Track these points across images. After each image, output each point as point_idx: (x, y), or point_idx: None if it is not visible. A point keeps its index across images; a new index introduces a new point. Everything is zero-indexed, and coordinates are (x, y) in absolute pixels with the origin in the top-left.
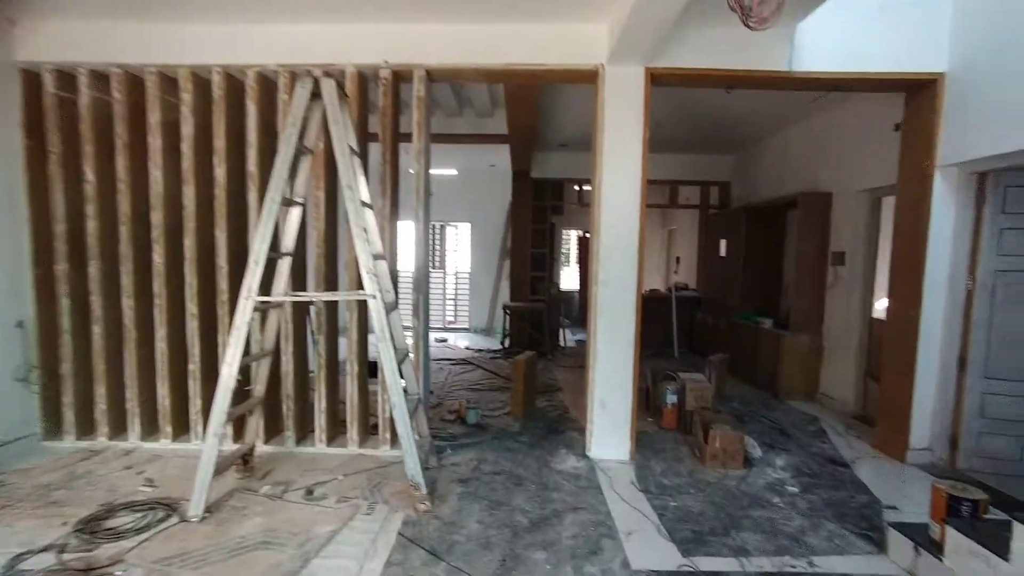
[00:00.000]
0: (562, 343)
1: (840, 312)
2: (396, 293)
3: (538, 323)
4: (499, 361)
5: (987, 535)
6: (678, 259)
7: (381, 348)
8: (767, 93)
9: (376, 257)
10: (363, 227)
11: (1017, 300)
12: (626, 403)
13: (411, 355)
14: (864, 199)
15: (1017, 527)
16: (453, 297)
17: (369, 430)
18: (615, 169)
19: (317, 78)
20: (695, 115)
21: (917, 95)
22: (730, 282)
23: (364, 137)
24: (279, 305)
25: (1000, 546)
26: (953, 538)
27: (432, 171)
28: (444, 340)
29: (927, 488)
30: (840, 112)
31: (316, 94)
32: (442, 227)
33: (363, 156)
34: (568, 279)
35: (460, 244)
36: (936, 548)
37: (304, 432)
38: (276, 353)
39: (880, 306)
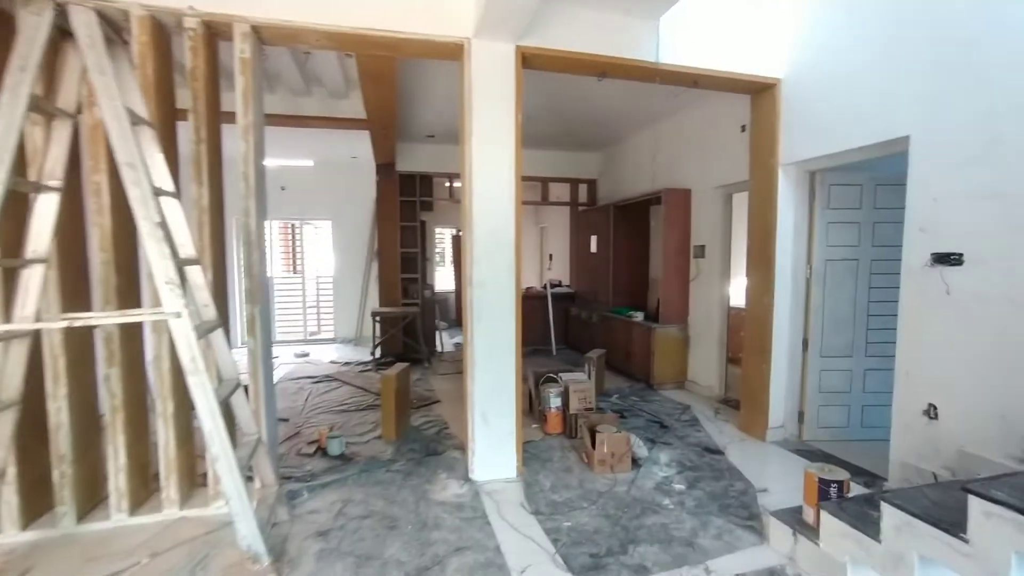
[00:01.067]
0: (440, 348)
1: (703, 303)
2: (224, 307)
3: (412, 329)
4: (370, 374)
5: (855, 515)
6: (551, 256)
7: (192, 384)
8: (630, 90)
9: (186, 263)
10: (156, 221)
11: (841, 286)
12: (510, 414)
13: (246, 385)
14: (719, 195)
15: (885, 508)
16: (315, 305)
17: (197, 481)
18: (486, 158)
19: (63, 4)
20: (563, 111)
21: (761, 98)
22: (602, 278)
23: (171, 107)
24: (26, 334)
25: (868, 525)
26: (827, 521)
27: (283, 161)
28: (306, 355)
29: (787, 463)
30: (697, 112)
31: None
32: (299, 226)
33: (167, 130)
34: (444, 280)
35: (322, 245)
36: (812, 532)
37: (93, 502)
38: (36, 400)
39: (737, 295)
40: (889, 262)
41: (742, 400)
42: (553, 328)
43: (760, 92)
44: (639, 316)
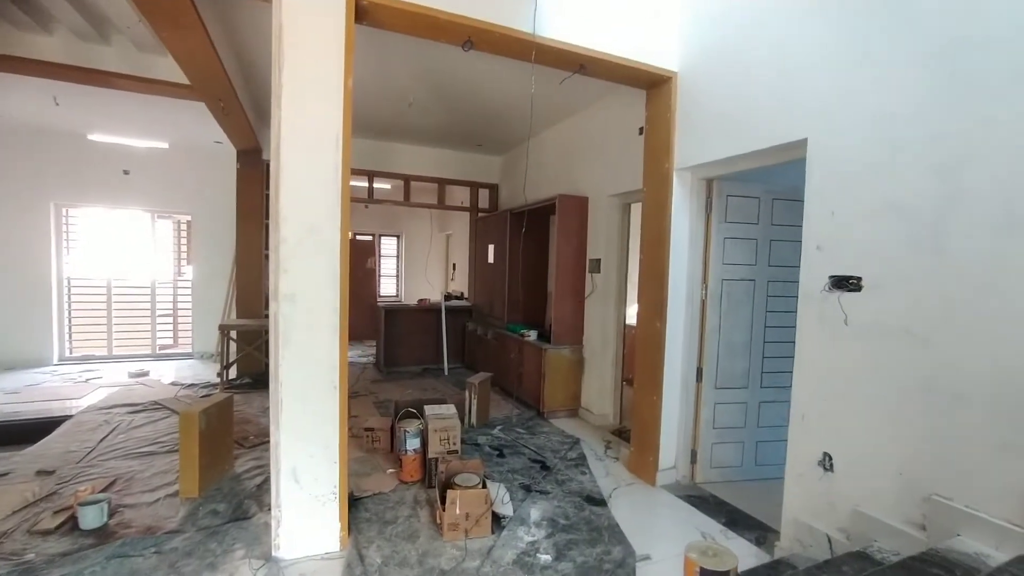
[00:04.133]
0: None
1: (598, 322)
2: None
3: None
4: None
5: None
6: (454, 266)
7: None
8: (524, 79)
9: None
10: None
11: (738, 309)
12: (331, 470)
13: None
14: (616, 204)
15: None
16: (171, 313)
17: None
18: (301, 129)
19: None
20: (456, 99)
21: (657, 93)
22: (498, 291)
23: None
24: None
25: None
26: None
27: (126, 140)
28: (144, 374)
29: (678, 515)
30: (596, 112)
31: None
32: (153, 220)
33: None
34: None
35: (182, 243)
36: None
37: None
38: None
39: (633, 315)
40: (786, 284)
41: (632, 437)
42: (447, 345)
43: (656, 86)
44: (532, 335)
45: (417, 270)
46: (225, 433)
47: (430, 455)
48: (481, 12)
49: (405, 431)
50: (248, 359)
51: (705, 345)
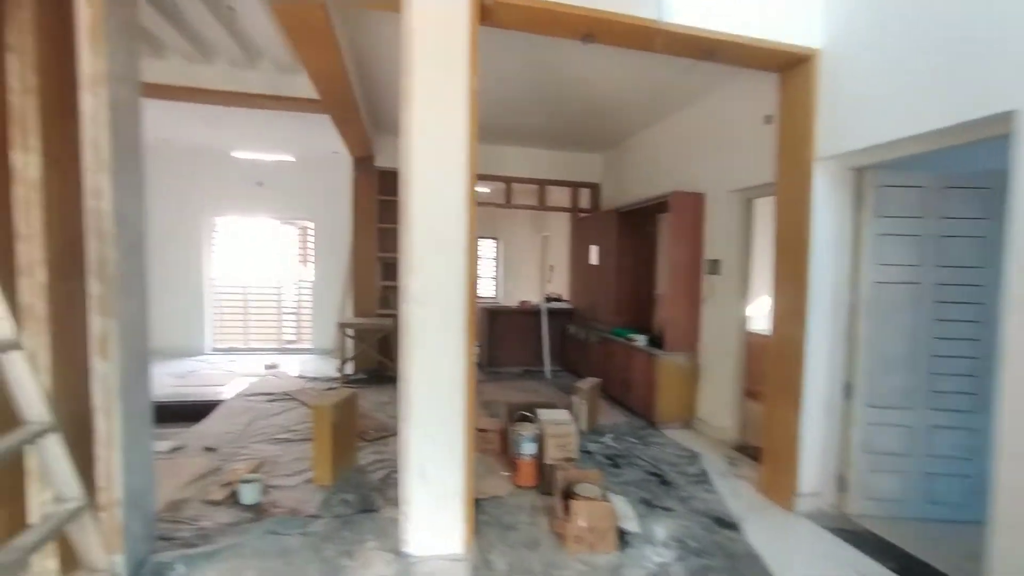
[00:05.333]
0: None
1: (716, 327)
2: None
3: (388, 344)
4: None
5: None
6: (552, 268)
7: None
8: (636, 71)
9: None
10: None
11: (895, 316)
12: (456, 469)
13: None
14: (737, 200)
15: None
16: (295, 311)
17: None
18: (431, 134)
19: None
20: (560, 100)
21: (793, 75)
22: (601, 293)
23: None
24: None
25: None
26: None
27: (261, 155)
28: (274, 366)
29: (826, 549)
30: (713, 102)
31: None
32: (280, 226)
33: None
34: None
35: (306, 247)
36: None
37: None
38: None
39: (756, 319)
40: (962, 288)
41: (764, 454)
42: (547, 348)
43: (792, 68)
44: (641, 340)
45: (515, 272)
46: (351, 427)
47: (546, 461)
48: (603, 2)
49: (521, 435)
50: (363, 355)
51: (856, 357)
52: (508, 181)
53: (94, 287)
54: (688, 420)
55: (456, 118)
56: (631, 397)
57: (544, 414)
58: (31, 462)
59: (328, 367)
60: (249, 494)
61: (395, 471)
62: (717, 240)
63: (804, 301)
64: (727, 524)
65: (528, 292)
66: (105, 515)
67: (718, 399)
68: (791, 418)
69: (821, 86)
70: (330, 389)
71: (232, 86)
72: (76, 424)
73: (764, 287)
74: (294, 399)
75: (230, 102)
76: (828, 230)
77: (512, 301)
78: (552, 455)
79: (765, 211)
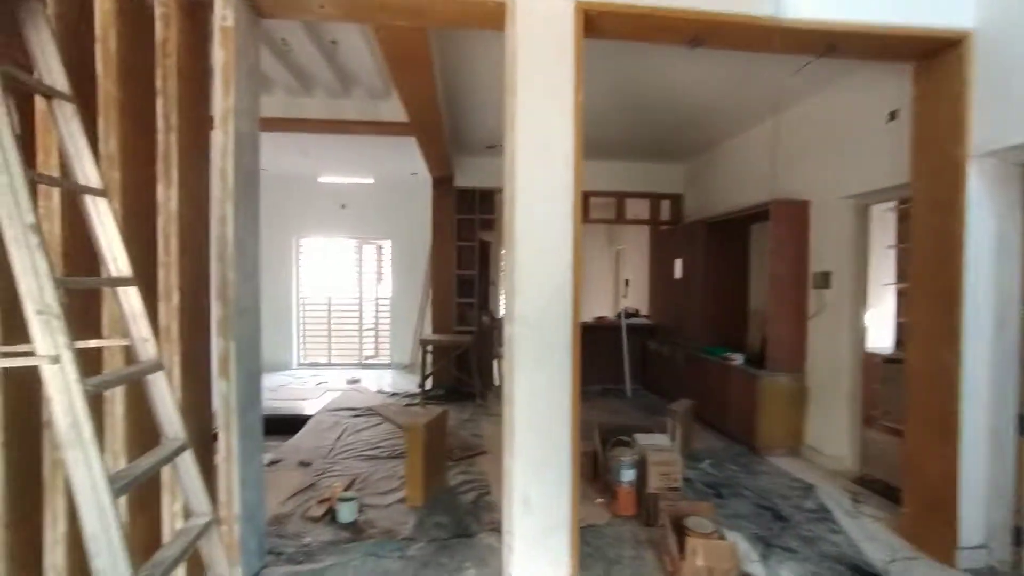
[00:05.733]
0: (497, 382)
1: (826, 346)
2: (199, 339)
3: (465, 361)
4: (416, 409)
5: None
6: (627, 282)
7: (70, 461)
8: (733, 70)
9: (115, 283)
10: (27, 223)
11: None
12: (561, 497)
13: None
14: (848, 207)
15: None
16: (373, 327)
17: None
18: (536, 151)
19: None
20: (642, 109)
21: (936, 63)
22: (687, 309)
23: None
24: None
25: None
26: None
27: (343, 179)
28: (356, 381)
29: None
30: (819, 101)
31: None
32: (359, 246)
33: (142, 119)
34: None
35: (382, 265)
36: None
37: None
38: None
39: (877, 337)
40: None
41: (907, 495)
42: (628, 366)
43: (933, 55)
44: (738, 359)
45: (588, 287)
46: (441, 446)
47: (649, 490)
48: (711, 3)
49: (621, 460)
50: (442, 371)
51: None
52: (586, 195)
53: (217, 309)
54: (795, 447)
55: (562, 136)
56: (728, 420)
57: (643, 439)
58: (164, 474)
59: (405, 382)
60: (347, 513)
61: (485, 493)
62: (825, 251)
63: (957, 320)
64: (868, 574)
65: (602, 307)
66: (224, 529)
67: (831, 425)
68: (946, 456)
69: (976, 73)
70: (410, 404)
71: (328, 114)
72: (198, 440)
73: (877, 301)
74: (378, 414)
75: (325, 129)
76: (988, 237)
77: (587, 316)
78: (655, 484)
79: (881, 219)
